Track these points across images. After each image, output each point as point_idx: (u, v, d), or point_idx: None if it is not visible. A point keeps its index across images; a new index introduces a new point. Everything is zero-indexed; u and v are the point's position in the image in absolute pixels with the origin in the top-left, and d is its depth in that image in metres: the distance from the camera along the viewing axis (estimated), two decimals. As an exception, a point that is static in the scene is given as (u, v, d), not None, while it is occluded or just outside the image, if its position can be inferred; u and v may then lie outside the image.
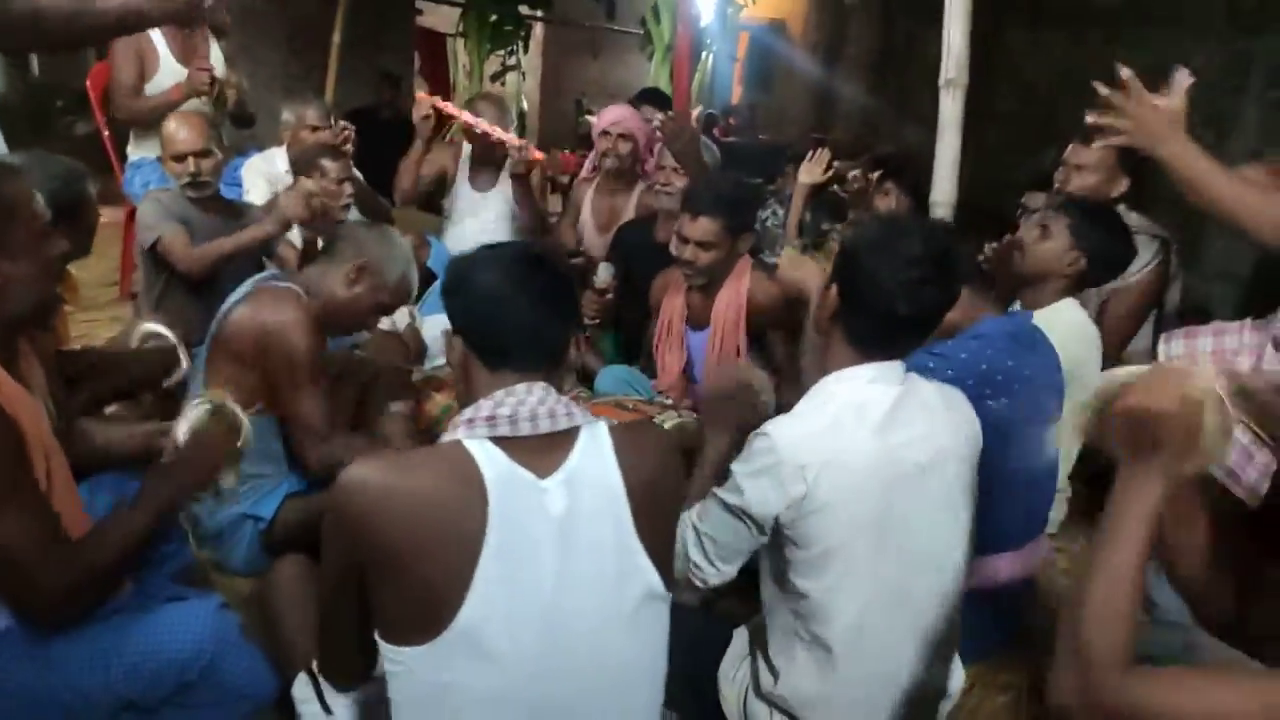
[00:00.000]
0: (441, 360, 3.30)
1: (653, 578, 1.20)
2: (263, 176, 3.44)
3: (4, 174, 1.34)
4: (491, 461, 1.12)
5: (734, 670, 1.60)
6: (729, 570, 1.51)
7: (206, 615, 1.50)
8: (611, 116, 3.62)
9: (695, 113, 5.43)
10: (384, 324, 3.23)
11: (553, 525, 1.13)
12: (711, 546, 1.49)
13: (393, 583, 1.10)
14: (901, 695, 1.49)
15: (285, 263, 2.96)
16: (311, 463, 1.97)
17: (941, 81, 2.65)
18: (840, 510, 1.39)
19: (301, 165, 3.07)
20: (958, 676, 1.61)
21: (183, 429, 1.54)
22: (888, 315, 1.42)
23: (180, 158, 2.78)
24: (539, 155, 3.54)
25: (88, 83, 3.76)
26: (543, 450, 1.15)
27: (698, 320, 2.70)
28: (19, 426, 1.27)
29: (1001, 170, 4.78)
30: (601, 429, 1.21)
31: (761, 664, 1.53)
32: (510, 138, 3.49)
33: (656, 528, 1.21)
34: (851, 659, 1.44)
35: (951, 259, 1.45)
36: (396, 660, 1.13)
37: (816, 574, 1.42)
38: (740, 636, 1.65)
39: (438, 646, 1.10)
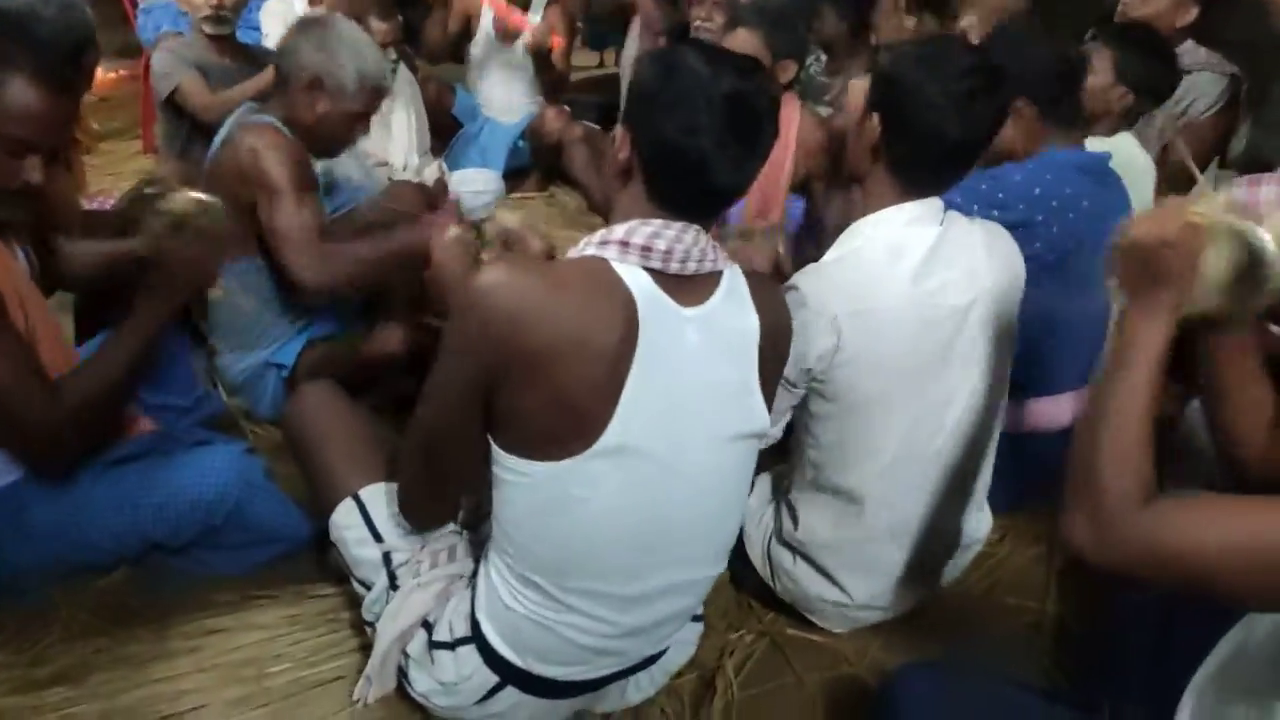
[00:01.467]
0: (476, 216, 3.22)
1: (763, 417, 1.20)
2: (281, 20, 3.28)
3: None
4: (640, 285, 1.08)
5: (758, 515, 1.59)
6: (775, 433, 1.45)
7: (232, 459, 1.52)
8: None
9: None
10: (409, 174, 3.16)
11: (690, 355, 1.11)
12: None
13: (535, 391, 1.06)
14: (926, 541, 1.47)
15: None
16: (307, 279, 1.80)
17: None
18: (872, 360, 1.34)
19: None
20: (985, 524, 1.59)
21: (150, 231, 1.48)
22: (938, 138, 1.31)
23: None
24: (559, 42, 3.40)
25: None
26: (688, 286, 1.11)
27: None
28: None
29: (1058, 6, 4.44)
30: (739, 275, 1.18)
31: (784, 510, 1.52)
32: (525, 22, 3.33)
33: (771, 372, 1.21)
34: (877, 505, 1.42)
35: (1000, 70, 1.33)
36: (522, 474, 1.11)
37: (846, 424, 1.39)
38: (763, 482, 1.63)
39: (581, 460, 1.08)
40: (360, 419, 1.49)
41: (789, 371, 1.35)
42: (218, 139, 1.92)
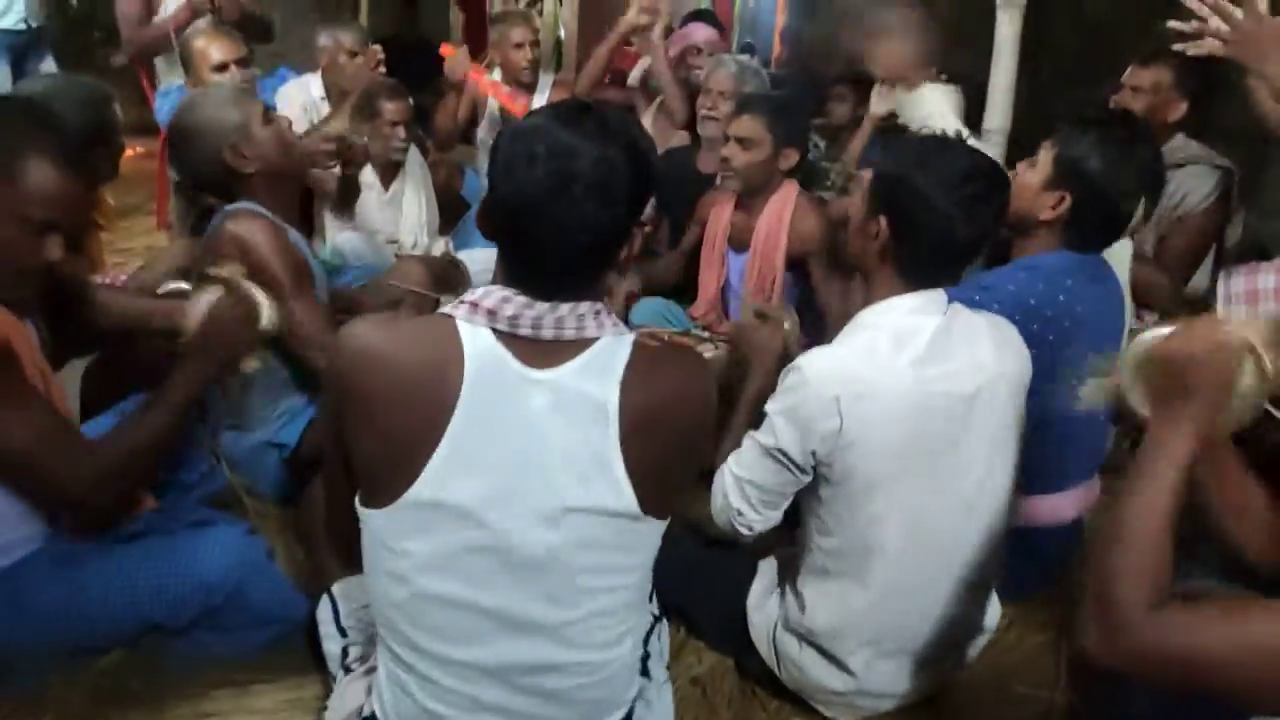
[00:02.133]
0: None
1: (623, 495, 1.10)
2: (299, 105, 3.39)
3: (15, 130, 1.30)
4: (478, 343, 1.08)
5: (763, 602, 1.57)
6: (774, 516, 1.47)
7: (234, 539, 1.51)
8: (703, 35, 3.64)
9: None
10: (417, 249, 3.22)
11: (533, 418, 1.08)
12: (754, 492, 1.44)
13: (366, 434, 1.10)
14: (934, 630, 1.45)
15: (323, 186, 2.92)
16: (321, 365, 1.81)
17: (999, 0, 2.52)
18: (875, 444, 1.34)
19: (361, 106, 3.02)
20: (994, 613, 1.58)
21: (198, 309, 1.52)
22: (945, 241, 1.36)
23: (222, 67, 2.75)
24: None
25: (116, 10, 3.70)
26: (545, 349, 1.09)
27: (740, 241, 2.63)
28: (9, 343, 1.27)
29: (1056, 104, 4.57)
30: (624, 343, 1.12)
31: (790, 596, 1.51)
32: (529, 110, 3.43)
33: (651, 453, 1.12)
34: (885, 594, 1.41)
35: (1001, 171, 1.38)
36: (363, 520, 1.13)
37: (850, 509, 1.39)
38: (768, 567, 1.62)
39: (398, 510, 1.08)
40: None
41: (793, 453, 1.36)
42: (211, 224, 1.94)
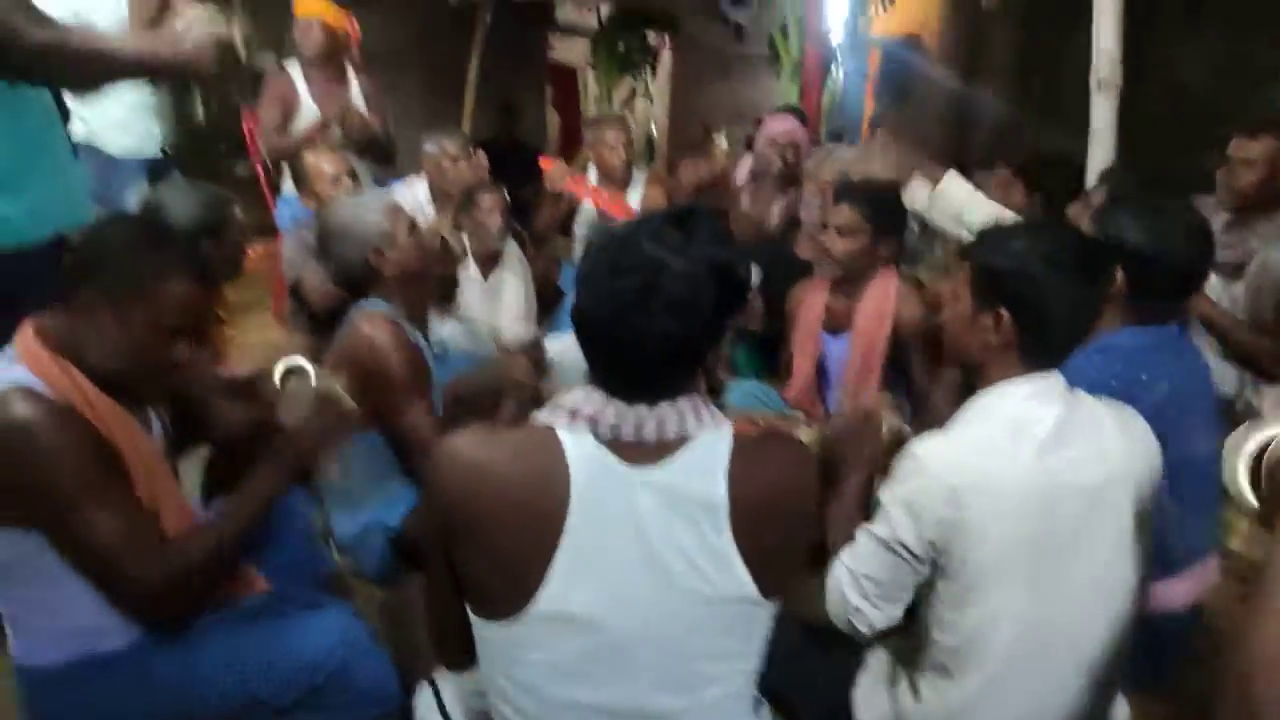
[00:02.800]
0: (577, 379, 3.33)
1: (746, 582, 1.10)
2: (405, 207, 3.58)
3: (148, 248, 1.39)
4: (581, 449, 1.08)
5: (872, 695, 1.50)
6: (895, 612, 1.39)
7: (339, 621, 1.55)
8: (782, 126, 3.72)
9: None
10: (516, 338, 3.32)
11: (639, 517, 1.08)
12: (871, 587, 1.38)
13: (477, 552, 1.10)
14: (1058, 729, 1.36)
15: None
16: (424, 477, 1.99)
17: (1093, 83, 2.51)
18: (996, 536, 1.28)
19: (462, 202, 3.21)
20: (1122, 714, 1.47)
21: (288, 410, 1.59)
22: (1071, 323, 1.35)
23: (334, 180, 2.95)
24: None
25: (245, 128, 4.03)
26: (647, 449, 1.09)
27: (836, 324, 2.63)
28: (110, 439, 1.34)
29: (1157, 174, 4.46)
30: (724, 434, 1.12)
31: (903, 692, 1.44)
32: (627, 211, 3.56)
33: (764, 540, 1.11)
34: (1004, 691, 1.33)
35: (1106, 250, 1.39)
36: (481, 633, 1.14)
37: (968, 603, 1.32)
38: (877, 660, 1.55)
39: (520, 624, 1.08)
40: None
41: (911, 545, 1.31)
42: (343, 324, 2.07)
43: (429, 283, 2.28)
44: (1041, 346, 1.36)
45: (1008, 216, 1.77)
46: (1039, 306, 1.33)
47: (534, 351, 3.20)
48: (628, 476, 1.08)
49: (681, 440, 1.10)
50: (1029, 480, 1.29)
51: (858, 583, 1.39)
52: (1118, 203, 1.78)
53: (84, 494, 1.29)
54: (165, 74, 2.75)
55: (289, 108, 3.59)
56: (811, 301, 2.69)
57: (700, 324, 1.06)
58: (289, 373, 2.35)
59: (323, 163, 3.01)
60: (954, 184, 2.34)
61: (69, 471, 1.28)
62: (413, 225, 2.11)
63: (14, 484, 1.27)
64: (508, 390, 2.50)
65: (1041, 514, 1.29)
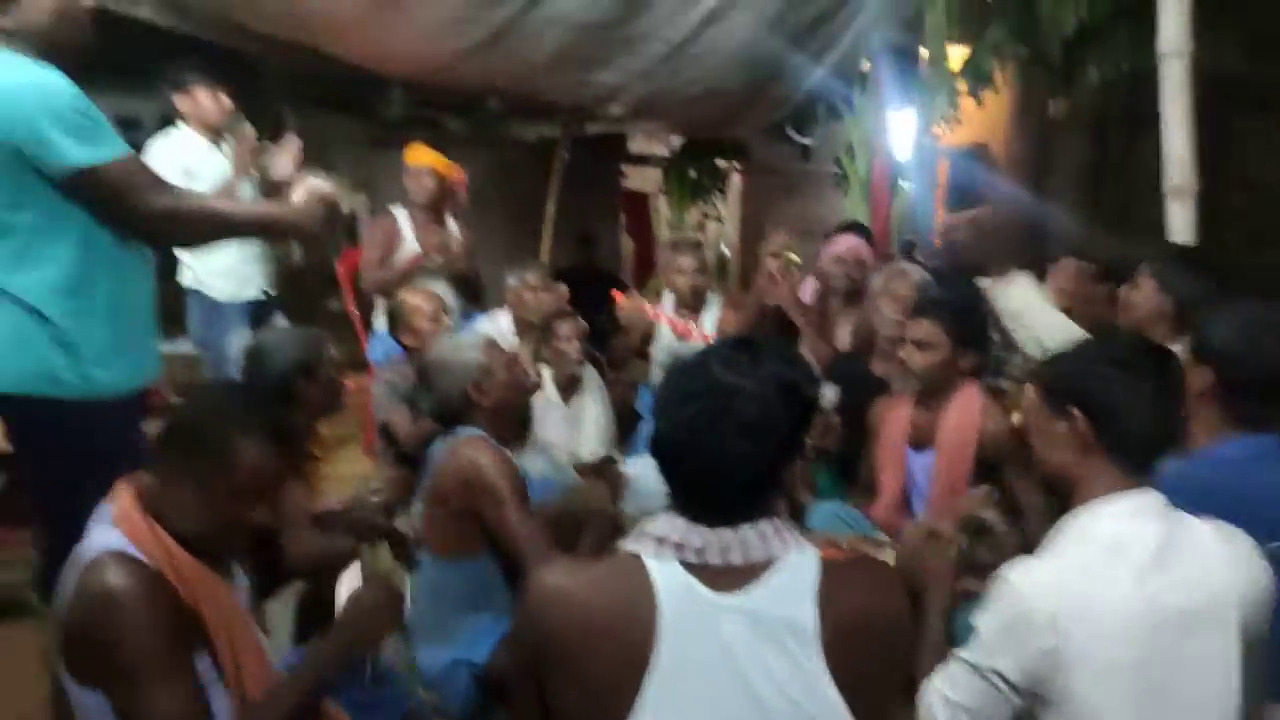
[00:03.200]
0: (658, 501, 3.34)
1: (840, 713, 1.08)
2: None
3: (224, 418, 1.45)
4: (668, 577, 1.09)
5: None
6: None
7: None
8: (845, 244, 3.79)
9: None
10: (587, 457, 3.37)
11: (729, 647, 1.07)
12: (966, 717, 1.33)
13: (565, 685, 1.10)
14: None
15: None
16: None
17: (1166, 189, 2.50)
18: (1098, 665, 1.23)
19: (541, 331, 3.35)
20: None
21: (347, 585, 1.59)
22: (1144, 420, 1.33)
23: (433, 317, 3.12)
24: None
25: (339, 267, 4.28)
26: (733, 570, 1.10)
27: (921, 440, 2.58)
28: (194, 605, 1.39)
29: (1247, 271, 4.33)
30: (809, 558, 1.13)
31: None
32: (700, 334, 3.62)
33: (858, 669, 1.10)
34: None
35: (1164, 348, 1.40)
36: None
37: None
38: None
39: None
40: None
41: (1008, 674, 1.26)
42: (433, 454, 2.14)
43: (521, 413, 2.38)
44: (1123, 446, 1.34)
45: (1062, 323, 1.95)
46: (1106, 397, 1.34)
47: (611, 472, 3.24)
48: (715, 603, 1.08)
49: (767, 563, 1.10)
50: (1131, 606, 1.24)
51: (953, 713, 1.34)
52: (1199, 304, 1.80)
53: (153, 671, 1.32)
54: (275, 234, 2.98)
55: (391, 245, 3.84)
56: (894, 417, 2.66)
57: (774, 444, 1.10)
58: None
59: (420, 300, 3.16)
60: (1021, 283, 2.34)
61: (145, 647, 1.32)
62: (510, 360, 2.26)
63: (92, 647, 1.32)
64: (588, 517, 2.53)
65: (1145, 640, 1.24)
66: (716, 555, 1.10)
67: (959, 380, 2.52)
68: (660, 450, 1.15)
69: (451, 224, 4.00)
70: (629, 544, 1.16)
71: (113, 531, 1.38)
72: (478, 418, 2.17)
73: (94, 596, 1.32)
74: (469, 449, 2.06)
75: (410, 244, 3.84)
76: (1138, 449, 1.35)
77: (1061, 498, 1.41)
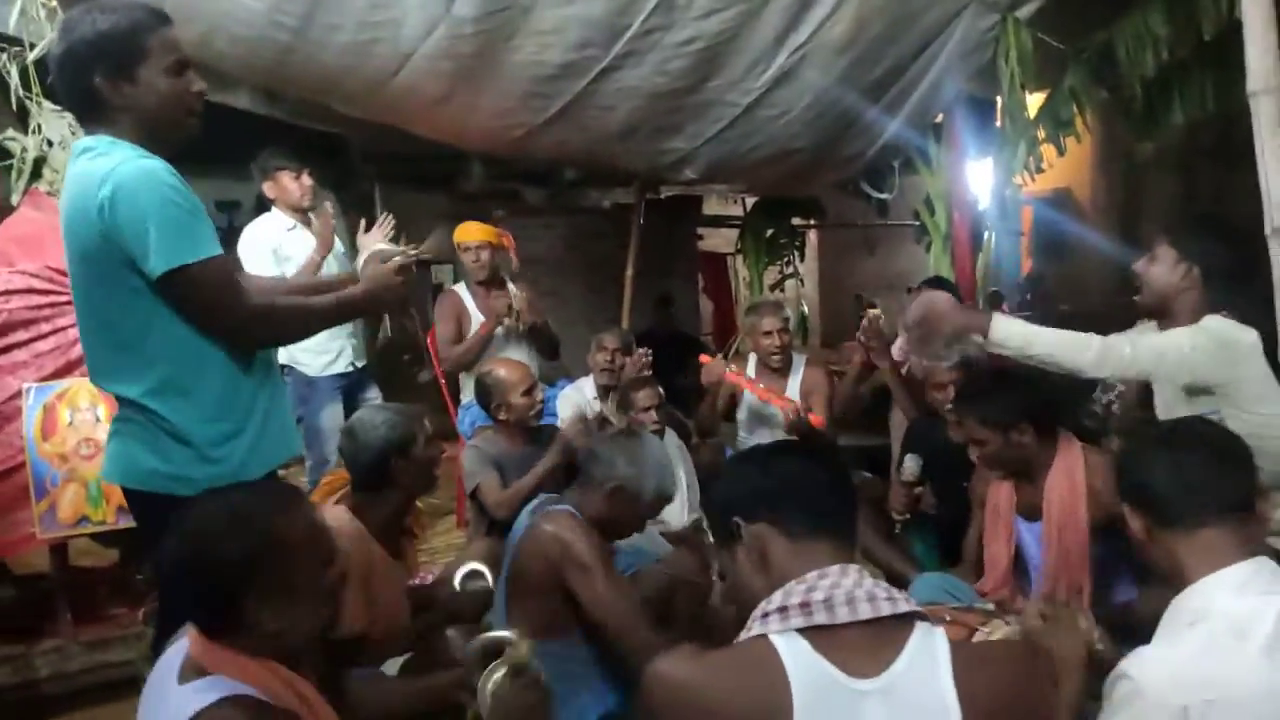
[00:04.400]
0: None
1: None
2: (573, 404, 3.76)
3: (290, 514, 1.39)
4: (800, 661, 1.05)
5: None
6: None
7: None
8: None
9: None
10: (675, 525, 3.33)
11: None
12: None
13: None
14: None
15: None
16: (633, 657, 1.92)
17: (1268, 231, 2.39)
18: None
19: (620, 400, 3.37)
20: None
21: (486, 691, 1.56)
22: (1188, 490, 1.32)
23: (527, 392, 3.15)
24: (818, 420, 3.49)
25: (427, 340, 4.39)
26: (864, 646, 1.06)
27: (1030, 510, 2.48)
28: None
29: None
30: (939, 633, 1.09)
31: None
32: (784, 401, 3.57)
33: None
34: None
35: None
36: None
37: None
38: None
39: None
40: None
41: None
42: (518, 525, 2.15)
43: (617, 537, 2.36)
44: (1176, 511, 1.33)
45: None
46: (1133, 476, 1.39)
47: (699, 539, 3.20)
48: (851, 689, 1.05)
49: (895, 639, 1.07)
50: (1264, 686, 1.16)
51: None
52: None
53: None
54: (360, 315, 3.05)
55: (461, 323, 3.90)
56: (1001, 489, 2.56)
57: None
58: (468, 576, 2.44)
59: (509, 373, 3.19)
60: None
61: None
62: (655, 512, 2.27)
63: None
64: (679, 586, 2.49)
65: None
66: (844, 609, 1.06)
67: (1041, 449, 2.41)
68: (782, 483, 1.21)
69: (510, 286, 4.05)
70: (755, 624, 1.12)
71: (215, 679, 1.25)
72: (581, 498, 2.17)
73: None
74: (550, 524, 2.04)
75: (476, 316, 3.91)
76: (1192, 512, 1.31)
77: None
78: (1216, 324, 2.16)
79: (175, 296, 1.75)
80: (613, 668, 2.04)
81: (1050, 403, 2.49)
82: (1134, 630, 1.59)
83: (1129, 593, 2.34)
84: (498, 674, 1.58)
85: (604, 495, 2.12)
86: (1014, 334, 2.12)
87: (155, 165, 1.73)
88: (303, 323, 2.05)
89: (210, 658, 1.27)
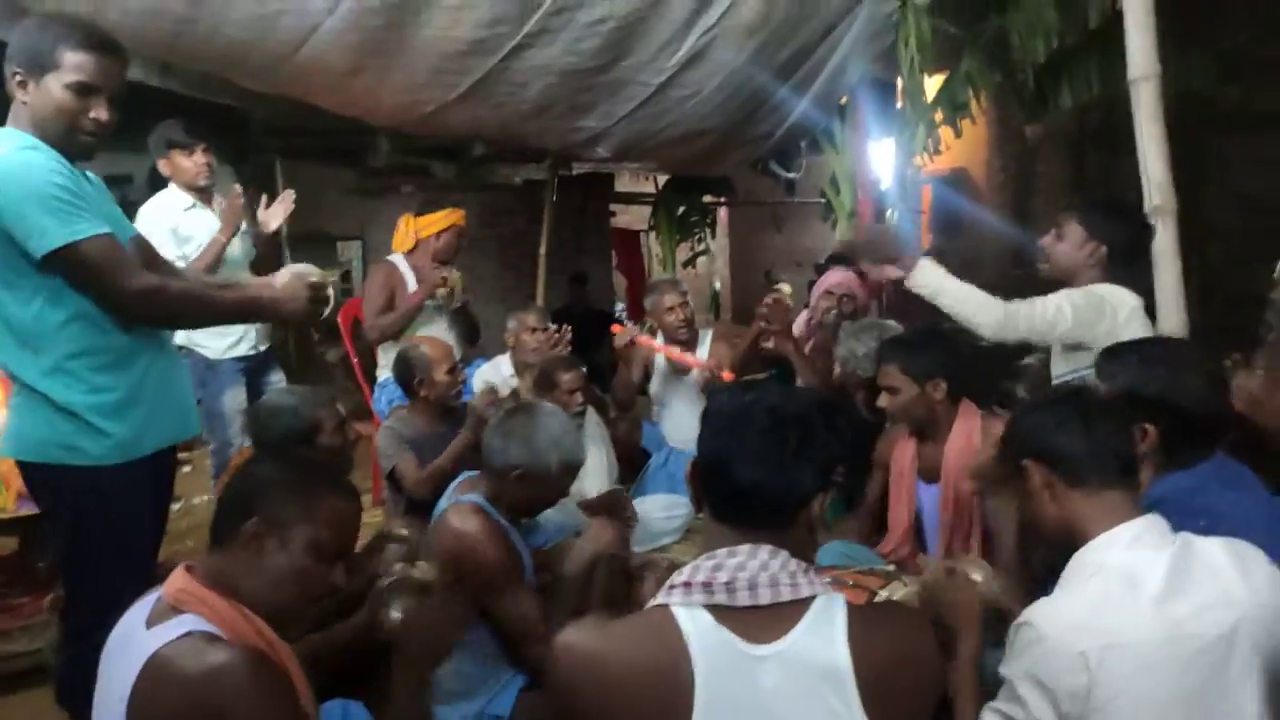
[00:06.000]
0: (666, 539, 3.36)
1: None
2: (489, 383, 3.76)
3: (308, 480, 1.42)
4: (700, 630, 1.09)
5: None
6: None
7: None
8: (835, 278, 3.86)
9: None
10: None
11: (763, 699, 1.07)
12: None
13: None
14: None
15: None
16: (534, 664, 2.01)
17: (1148, 209, 2.55)
18: (1131, 700, 1.23)
19: (541, 381, 3.37)
20: None
21: (393, 615, 1.61)
22: (1090, 439, 1.38)
23: (451, 370, 3.15)
24: (729, 376, 3.57)
25: (337, 317, 4.30)
26: (764, 619, 1.10)
27: (929, 472, 2.61)
28: (293, 679, 1.35)
29: (1233, 285, 4.41)
30: (838, 603, 1.14)
31: None
32: (697, 361, 3.66)
33: (897, 714, 1.11)
34: None
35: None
36: None
37: None
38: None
39: None
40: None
41: (1044, 714, 1.25)
42: (437, 510, 2.16)
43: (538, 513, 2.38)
44: (1086, 477, 1.38)
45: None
46: (1046, 436, 1.41)
47: (618, 505, 3.26)
48: (748, 654, 1.08)
49: (795, 608, 1.11)
50: (1157, 636, 1.24)
51: None
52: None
53: None
54: (260, 319, 3.04)
55: (395, 294, 3.85)
56: (902, 452, 2.68)
57: (815, 466, 1.17)
58: (384, 540, 2.44)
59: (434, 352, 3.16)
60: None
61: (278, 716, 1.24)
62: (568, 485, 2.23)
63: None
64: (598, 558, 2.54)
65: (1177, 671, 1.24)
66: (745, 593, 1.10)
67: (947, 410, 2.54)
68: (710, 453, 1.20)
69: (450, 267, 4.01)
70: (658, 596, 1.16)
71: (185, 615, 1.28)
72: (491, 486, 2.16)
73: (193, 686, 1.19)
74: (457, 519, 2.03)
75: (413, 288, 3.86)
76: (1098, 470, 1.37)
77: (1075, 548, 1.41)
78: (1103, 288, 2.32)
79: (61, 276, 1.84)
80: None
81: (969, 369, 2.62)
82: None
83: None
84: (404, 597, 1.62)
85: (511, 481, 2.12)
86: (932, 279, 2.33)
87: (40, 155, 1.84)
88: (197, 309, 2.10)
89: (189, 595, 1.31)
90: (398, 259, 3.97)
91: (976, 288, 2.38)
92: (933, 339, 2.56)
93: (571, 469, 2.17)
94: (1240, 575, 1.32)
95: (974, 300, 2.34)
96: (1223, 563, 1.33)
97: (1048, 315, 2.29)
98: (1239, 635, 1.27)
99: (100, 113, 1.92)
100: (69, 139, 1.91)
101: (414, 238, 3.93)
